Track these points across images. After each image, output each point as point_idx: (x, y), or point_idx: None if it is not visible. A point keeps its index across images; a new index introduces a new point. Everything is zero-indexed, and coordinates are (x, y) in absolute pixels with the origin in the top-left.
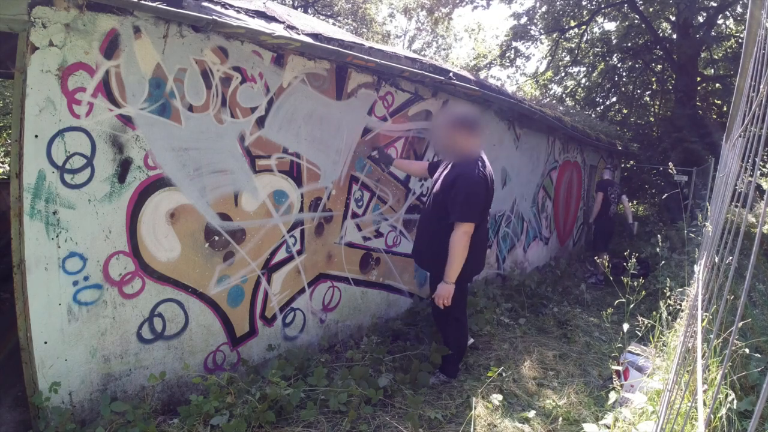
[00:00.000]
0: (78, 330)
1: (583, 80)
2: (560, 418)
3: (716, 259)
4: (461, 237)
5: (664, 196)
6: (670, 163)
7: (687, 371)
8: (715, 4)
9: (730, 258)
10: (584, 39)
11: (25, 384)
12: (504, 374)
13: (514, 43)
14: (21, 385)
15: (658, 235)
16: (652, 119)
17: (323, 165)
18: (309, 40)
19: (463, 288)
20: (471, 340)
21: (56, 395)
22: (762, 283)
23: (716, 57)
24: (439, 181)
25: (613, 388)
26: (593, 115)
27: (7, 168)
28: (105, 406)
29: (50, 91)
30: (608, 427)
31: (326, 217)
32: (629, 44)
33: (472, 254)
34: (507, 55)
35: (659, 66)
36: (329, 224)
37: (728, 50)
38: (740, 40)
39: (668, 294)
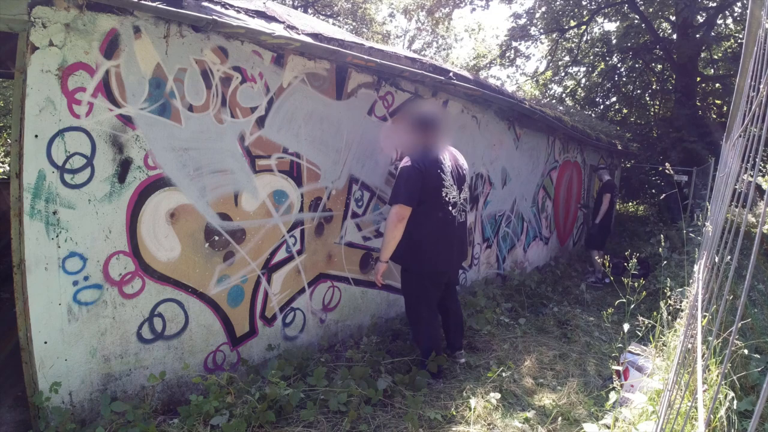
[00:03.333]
0: (78, 330)
1: (583, 80)
2: (560, 418)
3: (716, 259)
4: (391, 217)
5: (662, 197)
6: (667, 164)
7: (687, 371)
8: (715, 4)
9: (730, 258)
10: (584, 39)
11: (25, 384)
12: (504, 374)
13: (514, 43)
14: (21, 385)
15: (661, 235)
16: (652, 119)
17: (323, 165)
18: (309, 40)
19: (424, 282)
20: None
21: (56, 395)
22: (762, 283)
23: (716, 57)
24: None
25: (613, 388)
26: (593, 115)
27: (7, 168)
28: (105, 406)
29: (50, 91)
30: (608, 427)
31: (326, 216)
32: (629, 44)
33: (428, 244)
34: (507, 54)
35: (659, 66)
36: (329, 224)
37: (728, 50)
38: (740, 40)
39: (668, 294)
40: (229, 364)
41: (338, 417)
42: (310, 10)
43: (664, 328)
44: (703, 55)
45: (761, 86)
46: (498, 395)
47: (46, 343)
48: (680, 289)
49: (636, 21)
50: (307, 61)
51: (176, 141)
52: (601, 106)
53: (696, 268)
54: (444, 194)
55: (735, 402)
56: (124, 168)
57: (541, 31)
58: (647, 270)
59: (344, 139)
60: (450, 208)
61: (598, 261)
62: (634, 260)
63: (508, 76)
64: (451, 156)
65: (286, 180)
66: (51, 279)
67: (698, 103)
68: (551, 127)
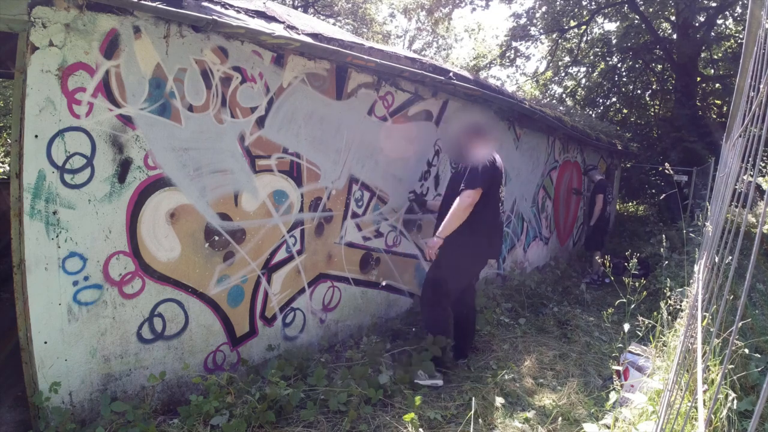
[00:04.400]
0: (78, 330)
1: (583, 80)
2: (560, 418)
3: (716, 259)
4: (464, 198)
5: (661, 197)
6: (666, 164)
7: (687, 371)
8: (715, 4)
9: (730, 258)
10: (584, 39)
11: (25, 384)
12: (506, 376)
13: (514, 43)
14: (21, 385)
15: (662, 235)
16: (652, 119)
17: (323, 165)
18: (309, 40)
19: (460, 273)
20: (439, 382)
21: (56, 395)
22: (762, 283)
23: (716, 57)
24: (453, 181)
25: (613, 388)
26: (593, 115)
27: (7, 168)
28: (105, 406)
29: (50, 91)
30: (608, 427)
31: (326, 217)
32: (629, 44)
33: (478, 234)
34: (507, 55)
35: (659, 66)
36: (329, 224)
37: (728, 50)
38: (740, 40)
39: (668, 294)
40: (229, 364)
41: (338, 417)
42: (310, 10)
43: (664, 328)
44: (703, 55)
45: (761, 86)
46: (503, 399)
47: (46, 343)
48: (680, 289)
49: (636, 21)
50: (307, 61)
51: (176, 141)
52: (601, 106)
53: (696, 268)
54: (501, 191)
55: (735, 402)
56: (124, 168)
57: (541, 31)
58: (647, 270)
59: (344, 139)
60: (501, 205)
61: (598, 261)
62: (635, 260)
63: (508, 77)
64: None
65: (286, 180)
66: (51, 279)
67: (698, 103)
68: (551, 127)
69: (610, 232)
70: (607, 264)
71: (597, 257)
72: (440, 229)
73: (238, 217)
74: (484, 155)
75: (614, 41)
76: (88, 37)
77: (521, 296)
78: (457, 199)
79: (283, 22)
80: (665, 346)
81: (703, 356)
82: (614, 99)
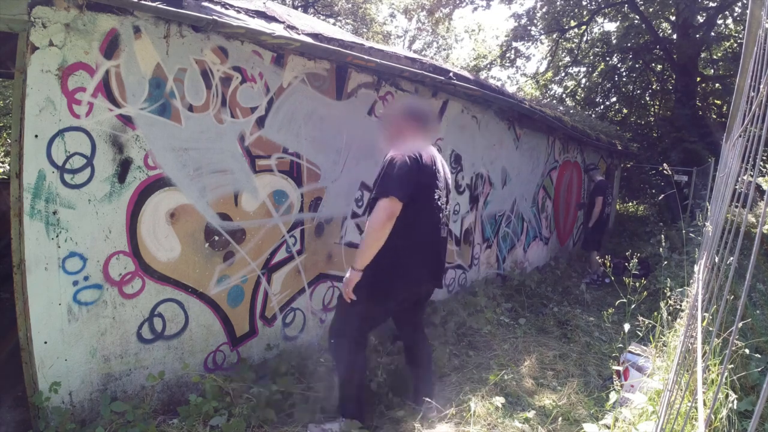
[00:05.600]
0: (78, 330)
1: (583, 80)
2: (560, 418)
3: (716, 259)
4: (378, 213)
5: (660, 197)
6: (665, 164)
7: (687, 371)
8: (715, 4)
9: (731, 258)
10: (584, 39)
11: (25, 384)
12: (504, 374)
13: (514, 44)
14: (21, 385)
15: (662, 235)
16: (652, 119)
17: (323, 165)
18: (309, 40)
19: (377, 307)
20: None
21: (56, 395)
22: (762, 283)
23: (716, 57)
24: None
25: (613, 388)
26: (593, 115)
27: (7, 168)
28: (105, 406)
29: (50, 91)
30: (608, 427)
31: (326, 217)
32: (629, 44)
33: (404, 256)
34: (507, 55)
35: (659, 66)
36: (329, 224)
37: (728, 50)
38: (740, 40)
39: (668, 294)
40: (229, 364)
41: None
42: (310, 10)
43: (664, 328)
44: (703, 55)
45: (761, 86)
46: (502, 399)
47: (46, 343)
48: (680, 289)
49: (636, 21)
50: (307, 61)
51: (176, 141)
52: (601, 106)
53: (696, 268)
54: (437, 197)
55: (735, 402)
56: (124, 168)
57: (542, 31)
58: (647, 270)
59: (344, 139)
60: (440, 215)
61: (597, 261)
62: (635, 260)
63: (508, 77)
64: (441, 159)
65: (286, 180)
66: (51, 279)
67: (698, 103)
68: (551, 127)
69: (609, 233)
70: (607, 264)
71: (596, 257)
72: (356, 258)
73: (238, 217)
74: (403, 151)
75: (614, 41)
76: (88, 37)
77: (521, 296)
78: (371, 215)
79: (283, 22)
80: (665, 346)
81: (703, 356)
82: (614, 99)
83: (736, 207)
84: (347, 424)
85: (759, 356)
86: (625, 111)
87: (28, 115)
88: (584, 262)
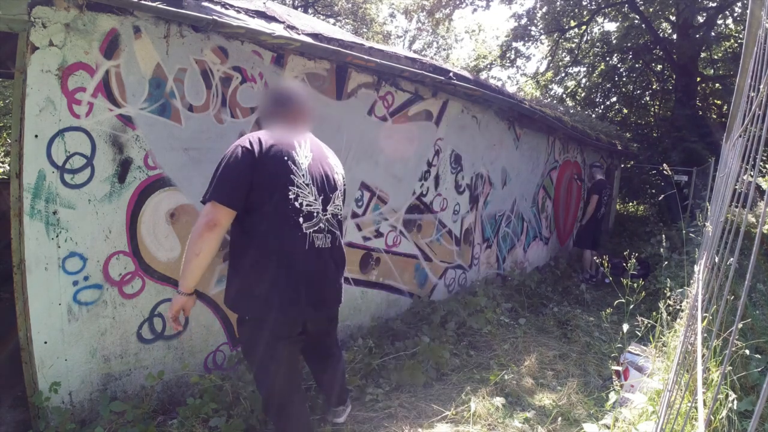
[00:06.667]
0: (78, 330)
1: (583, 80)
2: (560, 418)
3: (716, 259)
4: (198, 221)
5: (660, 197)
6: (665, 165)
7: (687, 371)
8: (715, 4)
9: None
10: (584, 39)
11: (25, 384)
12: (504, 374)
13: (515, 44)
14: (21, 385)
15: (662, 235)
16: (652, 119)
17: None
18: (309, 40)
19: (269, 338)
20: None
21: (56, 395)
22: (762, 283)
23: (716, 57)
24: None
25: (613, 388)
26: (593, 115)
27: (7, 168)
28: (105, 406)
29: (50, 91)
30: (608, 427)
31: None
32: (629, 44)
33: (267, 276)
34: (507, 55)
35: (659, 66)
36: None
37: (728, 50)
38: (740, 40)
39: (668, 294)
40: (229, 364)
41: None
42: (310, 10)
43: (663, 329)
44: (703, 55)
45: (761, 86)
46: (503, 400)
47: (46, 343)
48: (680, 290)
49: (636, 21)
50: (307, 61)
51: (176, 141)
52: (602, 106)
53: (696, 268)
54: (292, 197)
55: (735, 402)
56: (124, 168)
57: (542, 31)
58: (647, 270)
59: (344, 139)
60: (302, 220)
61: (588, 260)
62: (633, 260)
63: (508, 77)
64: (315, 148)
65: None
66: (51, 279)
67: (698, 103)
68: (551, 128)
69: (604, 232)
70: (606, 264)
71: (590, 256)
72: (180, 278)
73: None
74: (243, 140)
75: (614, 41)
76: (88, 37)
77: (521, 296)
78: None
79: (283, 22)
80: (665, 346)
81: (703, 356)
82: (614, 99)
83: (736, 207)
84: None
85: (759, 356)
86: (625, 111)
87: (28, 115)
88: (580, 261)
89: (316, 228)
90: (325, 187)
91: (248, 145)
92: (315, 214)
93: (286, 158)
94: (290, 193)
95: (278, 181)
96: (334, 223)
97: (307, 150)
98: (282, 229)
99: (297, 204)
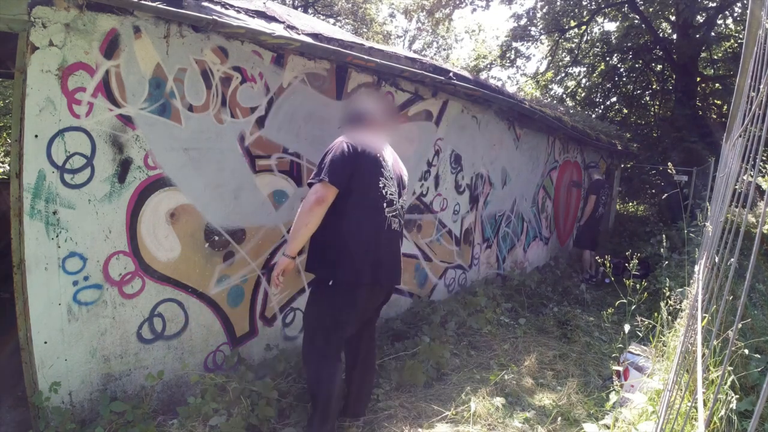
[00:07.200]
0: (78, 330)
1: (583, 80)
2: (560, 418)
3: (716, 259)
4: (308, 197)
5: (663, 197)
6: (669, 164)
7: (687, 371)
8: (715, 4)
9: (731, 258)
10: (584, 39)
11: (25, 384)
12: (504, 374)
13: (515, 44)
14: (21, 385)
15: (663, 235)
16: (652, 119)
17: None
18: (309, 40)
19: (345, 301)
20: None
21: (56, 395)
22: (762, 283)
23: (716, 57)
24: None
25: (613, 389)
26: (593, 116)
27: (7, 168)
28: (105, 406)
29: (50, 91)
30: (608, 427)
31: None
32: (629, 44)
33: (358, 245)
34: (507, 55)
35: (659, 66)
36: None
37: (728, 50)
38: (740, 40)
39: (668, 294)
40: (229, 364)
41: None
42: (310, 10)
43: (664, 329)
44: (703, 55)
45: (761, 86)
46: (503, 400)
47: (46, 343)
48: (680, 290)
49: (636, 21)
50: (307, 61)
51: (176, 141)
52: (602, 106)
53: (696, 268)
54: (382, 185)
55: (735, 402)
56: (124, 168)
57: (542, 31)
58: (647, 270)
59: None
60: (385, 205)
61: (587, 260)
62: (635, 261)
63: (508, 77)
64: (392, 153)
65: (286, 180)
66: (51, 279)
67: (698, 104)
68: (551, 128)
69: (603, 232)
70: (607, 264)
71: (589, 256)
72: (287, 243)
73: (238, 217)
74: (344, 139)
75: (614, 41)
76: (88, 37)
77: (521, 296)
78: (304, 200)
79: (283, 22)
80: (665, 346)
81: (703, 356)
82: (614, 99)
83: (736, 207)
84: None
85: (759, 356)
86: (625, 111)
87: (28, 115)
88: (579, 261)
89: (393, 213)
90: (400, 183)
91: (352, 141)
92: (394, 202)
93: (377, 155)
94: (380, 183)
95: (373, 171)
96: (402, 213)
97: (389, 153)
98: (372, 211)
99: (383, 192)
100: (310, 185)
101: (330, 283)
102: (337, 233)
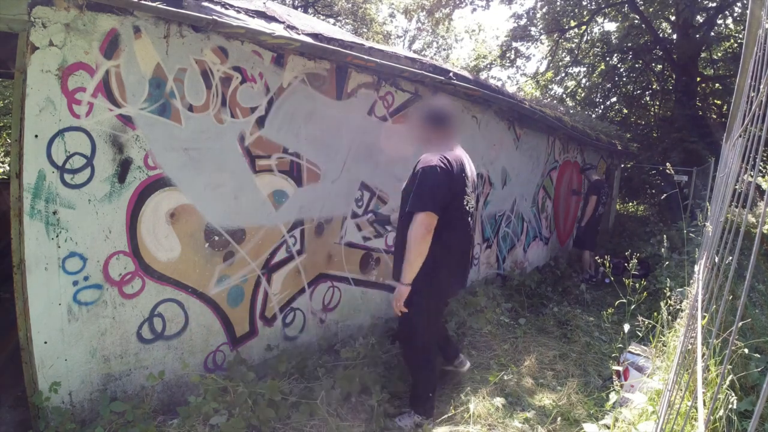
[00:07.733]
0: (78, 330)
1: (583, 80)
2: (560, 418)
3: (716, 259)
4: (417, 228)
5: (663, 197)
6: (668, 164)
7: (687, 371)
8: (715, 4)
9: (730, 258)
10: (584, 39)
11: (25, 384)
12: (504, 375)
13: (515, 44)
14: (21, 385)
15: (663, 235)
16: (652, 119)
17: (323, 165)
18: (309, 40)
19: (435, 306)
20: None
21: (56, 395)
22: (762, 283)
23: (716, 57)
24: (407, 180)
25: (613, 389)
26: (593, 116)
27: (7, 168)
28: (105, 406)
29: (50, 91)
30: (608, 427)
31: (326, 217)
32: (629, 44)
33: (447, 260)
34: (507, 55)
35: (659, 66)
36: (329, 224)
37: (728, 50)
38: (740, 40)
39: (668, 294)
40: (229, 364)
41: (336, 417)
42: (310, 10)
43: (664, 329)
44: (703, 55)
45: (761, 86)
46: (503, 400)
47: (46, 343)
48: (680, 289)
49: (636, 21)
50: (307, 61)
51: (176, 141)
52: (602, 106)
53: (696, 268)
54: (465, 202)
55: (735, 402)
56: (124, 168)
57: (542, 31)
58: (647, 270)
59: (344, 139)
60: (469, 219)
61: (587, 260)
62: (635, 261)
63: (508, 77)
64: (467, 158)
65: (286, 180)
66: (51, 279)
67: (698, 104)
68: (551, 128)
69: (602, 232)
70: (607, 264)
71: (592, 256)
72: (403, 273)
73: (238, 217)
74: (430, 158)
75: (614, 41)
76: (88, 37)
77: (521, 296)
78: (410, 229)
79: (283, 22)
80: (665, 346)
81: (703, 356)
82: (614, 99)
83: (736, 207)
84: (420, 420)
85: (759, 356)
86: (625, 111)
87: (28, 115)
88: (580, 262)
89: (472, 223)
90: (474, 188)
91: (444, 165)
92: (472, 213)
93: (462, 174)
94: (464, 200)
95: (460, 192)
96: (476, 218)
97: (467, 159)
98: (460, 227)
99: (467, 208)
100: (409, 213)
101: (424, 289)
102: (432, 250)
